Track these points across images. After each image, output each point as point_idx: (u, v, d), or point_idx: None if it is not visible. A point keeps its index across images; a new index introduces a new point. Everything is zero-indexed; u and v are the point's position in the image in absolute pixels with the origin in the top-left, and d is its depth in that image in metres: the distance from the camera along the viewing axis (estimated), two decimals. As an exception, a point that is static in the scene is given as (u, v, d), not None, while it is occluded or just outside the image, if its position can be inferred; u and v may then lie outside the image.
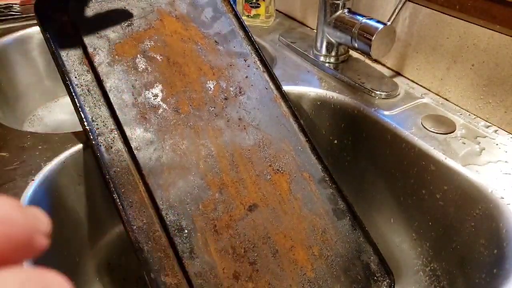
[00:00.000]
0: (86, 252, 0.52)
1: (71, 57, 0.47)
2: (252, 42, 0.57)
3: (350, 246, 0.48)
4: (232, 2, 0.87)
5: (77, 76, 0.46)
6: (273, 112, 0.52)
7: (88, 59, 0.47)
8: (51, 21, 0.47)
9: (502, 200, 0.42)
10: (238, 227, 0.44)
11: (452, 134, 0.51)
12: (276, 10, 0.85)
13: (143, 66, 0.49)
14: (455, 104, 0.56)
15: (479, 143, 0.50)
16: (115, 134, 0.44)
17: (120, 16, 0.50)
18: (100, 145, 0.43)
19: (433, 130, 0.51)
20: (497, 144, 0.49)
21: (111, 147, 0.43)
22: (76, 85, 0.45)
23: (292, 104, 0.53)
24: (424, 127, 0.52)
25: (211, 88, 0.51)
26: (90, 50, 0.47)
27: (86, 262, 0.51)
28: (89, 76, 0.46)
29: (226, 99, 0.51)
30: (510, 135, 0.51)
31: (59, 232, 0.46)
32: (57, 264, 0.44)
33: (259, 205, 0.46)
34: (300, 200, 0.48)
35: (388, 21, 0.56)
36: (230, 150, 0.47)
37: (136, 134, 0.44)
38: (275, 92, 0.54)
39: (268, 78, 0.55)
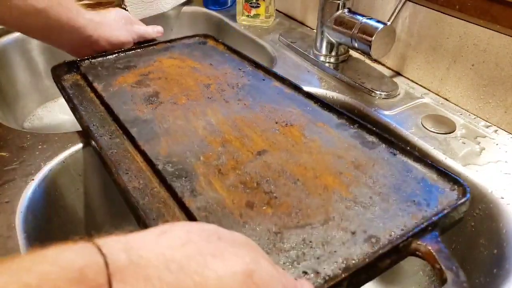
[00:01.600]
0: (86, 252, 0.51)
1: (79, 97, 0.51)
2: (248, 59, 0.59)
3: (394, 168, 0.39)
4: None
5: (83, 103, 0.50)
6: (274, 91, 0.51)
7: (94, 90, 0.51)
8: (65, 80, 0.54)
9: (502, 200, 0.42)
10: (246, 168, 0.38)
11: (452, 134, 0.51)
12: (276, 10, 0.85)
13: (143, 83, 0.52)
14: (455, 104, 0.56)
15: (479, 143, 0.50)
16: (113, 127, 0.45)
17: (124, 65, 0.57)
18: (99, 136, 0.44)
19: (433, 130, 0.51)
20: (497, 144, 0.49)
21: (110, 137, 0.44)
22: (78, 104, 0.49)
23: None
24: (424, 127, 0.52)
25: (208, 87, 0.52)
26: (95, 84, 0.52)
27: (85, 262, 0.51)
28: (93, 99, 0.50)
29: (223, 90, 0.51)
30: (510, 135, 0.51)
31: (59, 232, 0.46)
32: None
33: (269, 150, 0.41)
34: (317, 141, 0.42)
35: (388, 21, 0.56)
36: (232, 119, 0.46)
37: (132, 119, 0.46)
38: (274, 80, 0.54)
39: (264, 73, 0.56)
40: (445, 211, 0.33)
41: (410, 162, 0.40)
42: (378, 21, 0.56)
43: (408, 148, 0.41)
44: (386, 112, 0.55)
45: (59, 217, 0.46)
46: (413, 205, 0.35)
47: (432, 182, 0.37)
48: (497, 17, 0.48)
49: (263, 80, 0.54)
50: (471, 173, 0.45)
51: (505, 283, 0.36)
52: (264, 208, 0.34)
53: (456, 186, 0.37)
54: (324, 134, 0.43)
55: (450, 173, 0.37)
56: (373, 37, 0.54)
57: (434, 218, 0.33)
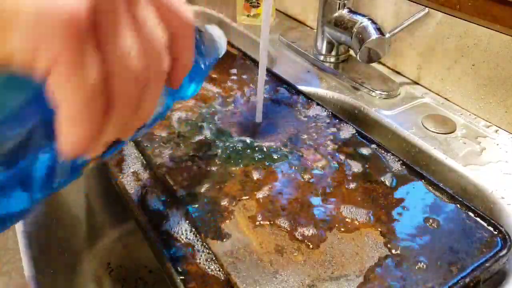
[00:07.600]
0: (86, 252, 0.51)
1: None
2: (268, 71, 0.56)
3: (428, 207, 0.37)
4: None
5: None
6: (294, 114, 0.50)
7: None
8: None
9: (502, 200, 0.42)
10: (272, 203, 0.37)
11: (452, 134, 0.51)
12: (276, 10, 0.85)
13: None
14: (455, 104, 0.56)
15: (480, 143, 0.50)
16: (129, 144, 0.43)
17: None
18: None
19: (433, 130, 0.51)
20: (497, 144, 0.49)
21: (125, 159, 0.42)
22: None
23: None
24: (425, 127, 0.52)
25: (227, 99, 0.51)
26: None
27: (85, 262, 0.51)
28: None
29: (241, 104, 0.51)
30: (511, 135, 0.51)
31: (59, 233, 0.46)
32: (57, 264, 0.44)
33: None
34: (343, 165, 0.41)
35: (389, 32, 0.56)
36: (254, 143, 0.44)
37: (149, 137, 0.43)
38: (299, 98, 0.53)
39: (289, 93, 0.54)
40: (487, 265, 0.32)
41: (444, 199, 0.38)
42: (378, 28, 0.55)
43: (441, 184, 0.39)
44: (387, 112, 0.54)
45: (59, 218, 0.46)
46: (451, 253, 0.33)
47: (469, 226, 0.35)
48: (498, 17, 0.48)
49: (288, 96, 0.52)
50: (472, 173, 0.45)
51: (505, 283, 0.36)
52: (295, 254, 0.32)
53: (495, 232, 0.35)
54: (348, 161, 0.42)
55: (488, 217, 0.36)
56: (363, 44, 0.54)
57: (476, 273, 0.31)
